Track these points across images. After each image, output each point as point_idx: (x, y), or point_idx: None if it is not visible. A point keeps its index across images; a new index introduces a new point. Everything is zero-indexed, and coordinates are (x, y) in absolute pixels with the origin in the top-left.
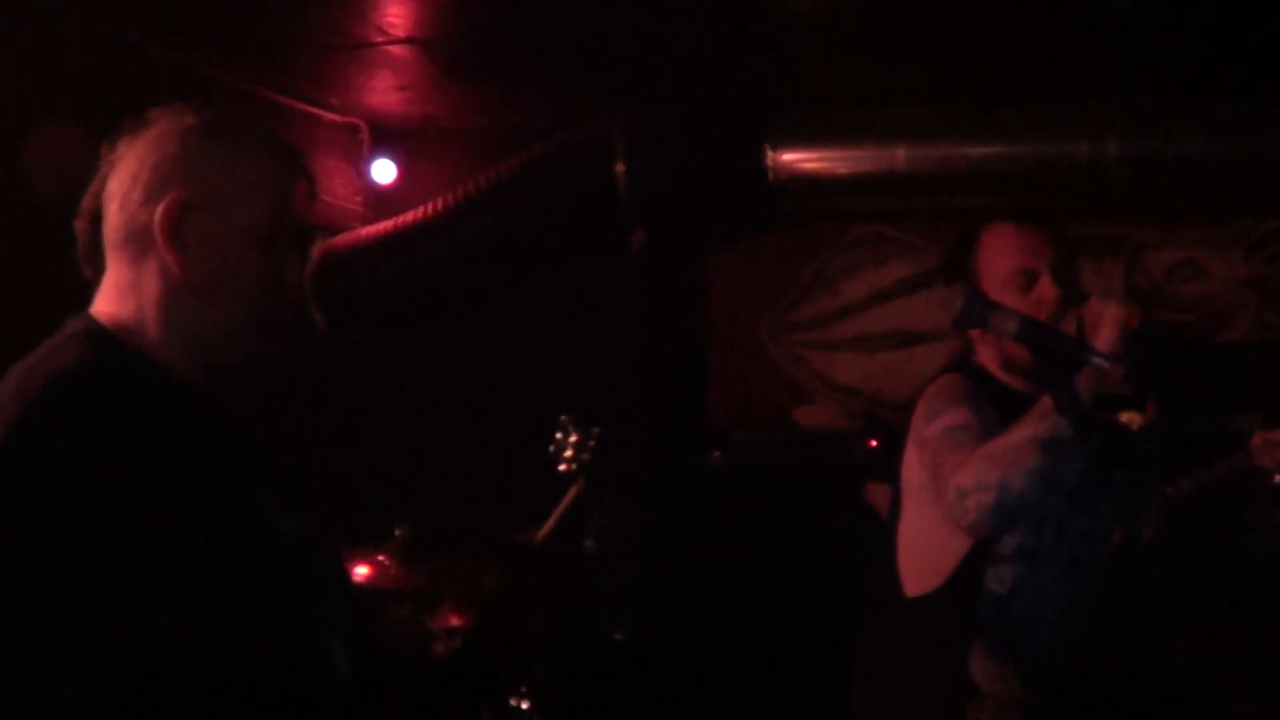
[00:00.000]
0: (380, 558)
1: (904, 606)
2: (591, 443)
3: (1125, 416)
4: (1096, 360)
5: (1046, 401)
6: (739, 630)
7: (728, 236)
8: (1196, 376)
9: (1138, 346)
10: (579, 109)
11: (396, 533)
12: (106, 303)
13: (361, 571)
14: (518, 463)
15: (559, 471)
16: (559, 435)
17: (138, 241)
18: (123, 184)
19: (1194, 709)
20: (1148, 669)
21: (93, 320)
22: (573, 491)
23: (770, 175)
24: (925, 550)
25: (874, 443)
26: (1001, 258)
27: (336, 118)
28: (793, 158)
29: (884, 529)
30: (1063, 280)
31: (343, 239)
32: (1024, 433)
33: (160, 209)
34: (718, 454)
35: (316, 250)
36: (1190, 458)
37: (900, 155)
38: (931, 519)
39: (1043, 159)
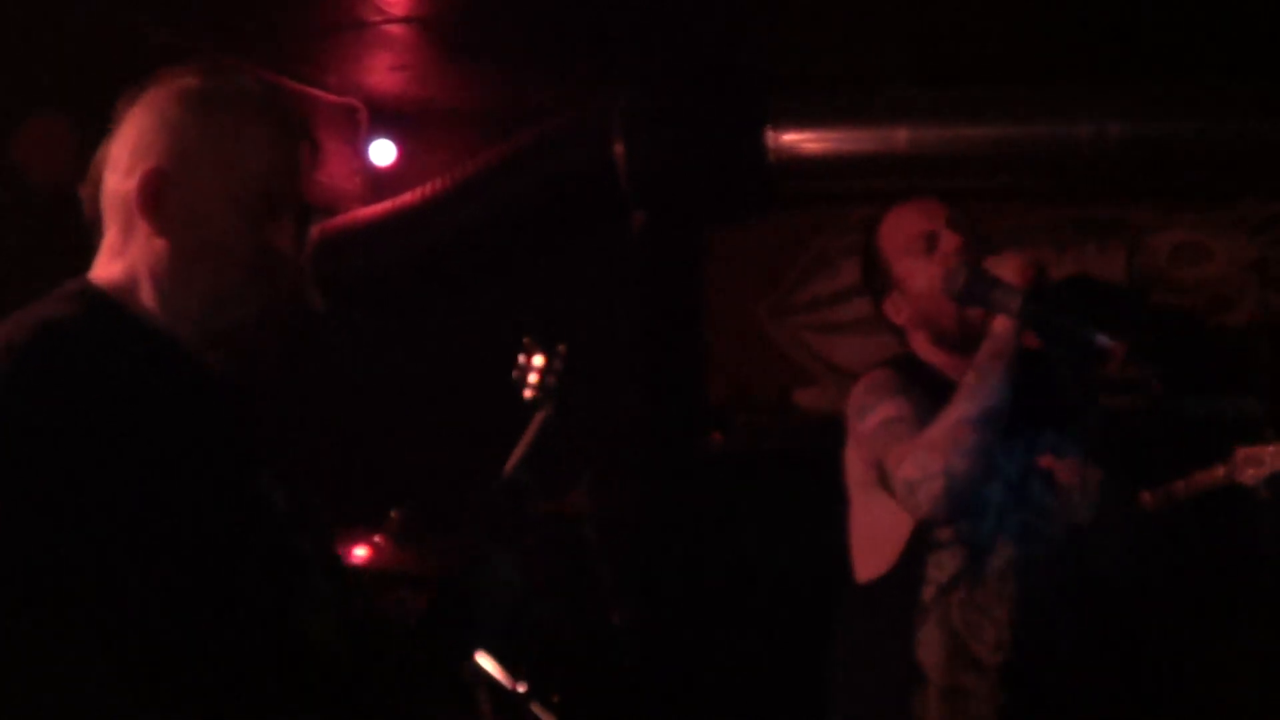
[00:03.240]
0: (376, 539)
1: (856, 591)
2: (557, 363)
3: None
4: (1099, 338)
5: (968, 380)
6: (737, 614)
7: (728, 217)
8: (1198, 360)
9: (1144, 332)
10: (578, 89)
11: (393, 515)
12: (101, 267)
13: (359, 553)
14: (515, 444)
15: (525, 399)
16: (522, 358)
17: (124, 209)
18: (118, 150)
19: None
20: (1123, 676)
21: (87, 282)
22: (538, 419)
23: (771, 156)
24: (871, 538)
25: None
26: (899, 231)
27: (334, 98)
28: (794, 138)
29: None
30: (961, 229)
31: (341, 220)
32: (957, 413)
33: (136, 179)
34: (717, 436)
35: (314, 231)
36: (1183, 448)
37: (902, 136)
38: (875, 509)
39: (1044, 140)
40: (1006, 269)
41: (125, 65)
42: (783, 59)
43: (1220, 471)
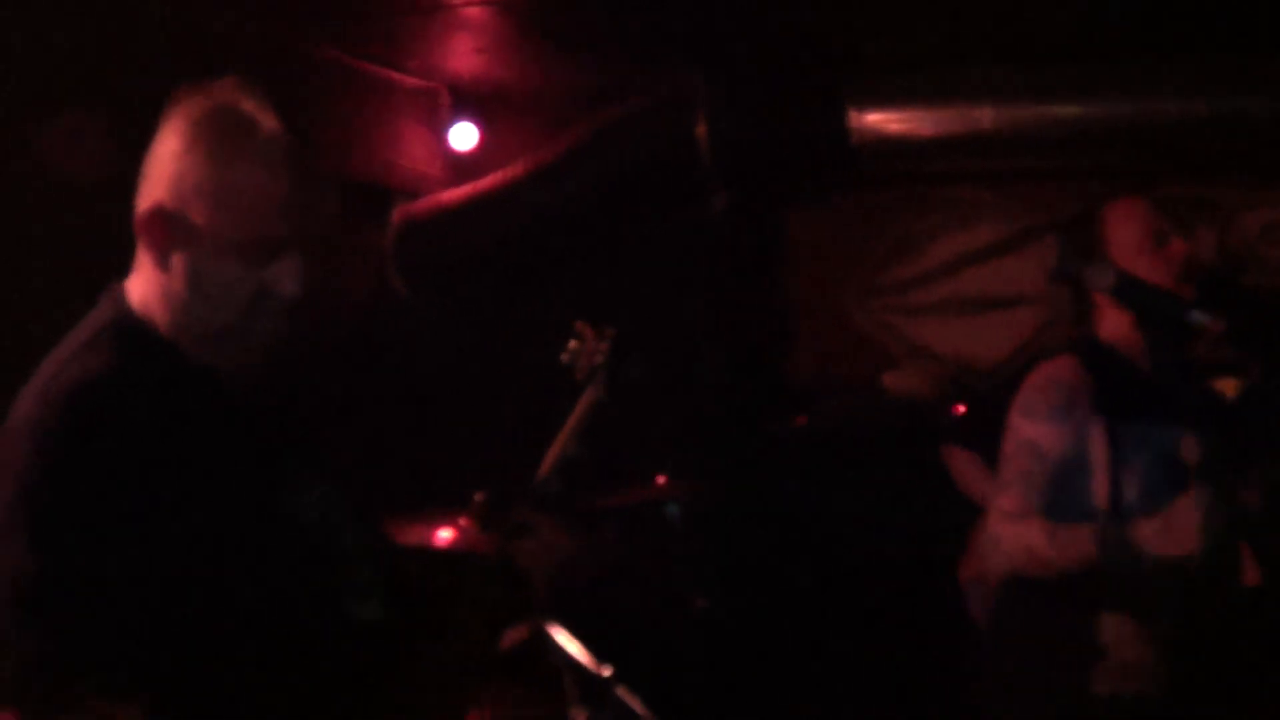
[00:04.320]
0: (461, 522)
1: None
2: (604, 344)
3: (1221, 383)
4: (1194, 315)
5: (1073, 547)
6: (822, 598)
7: (811, 199)
8: None
9: (1239, 311)
10: (660, 69)
11: (476, 497)
12: (135, 279)
13: (444, 535)
14: (600, 424)
15: (577, 380)
16: (573, 343)
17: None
18: (145, 164)
19: None
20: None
21: (122, 303)
22: (586, 399)
23: (854, 137)
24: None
25: (961, 409)
26: (1131, 224)
27: (416, 82)
28: (877, 118)
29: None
30: (1183, 236)
31: (422, 204)
32: (1058, 556)
33: (139, 215)
34: (801, 419)
35: (396, 216)
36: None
37: (987, 116)
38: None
39: (1131, 119)
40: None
41: (205, 52)
42: (866, 38)
43: None
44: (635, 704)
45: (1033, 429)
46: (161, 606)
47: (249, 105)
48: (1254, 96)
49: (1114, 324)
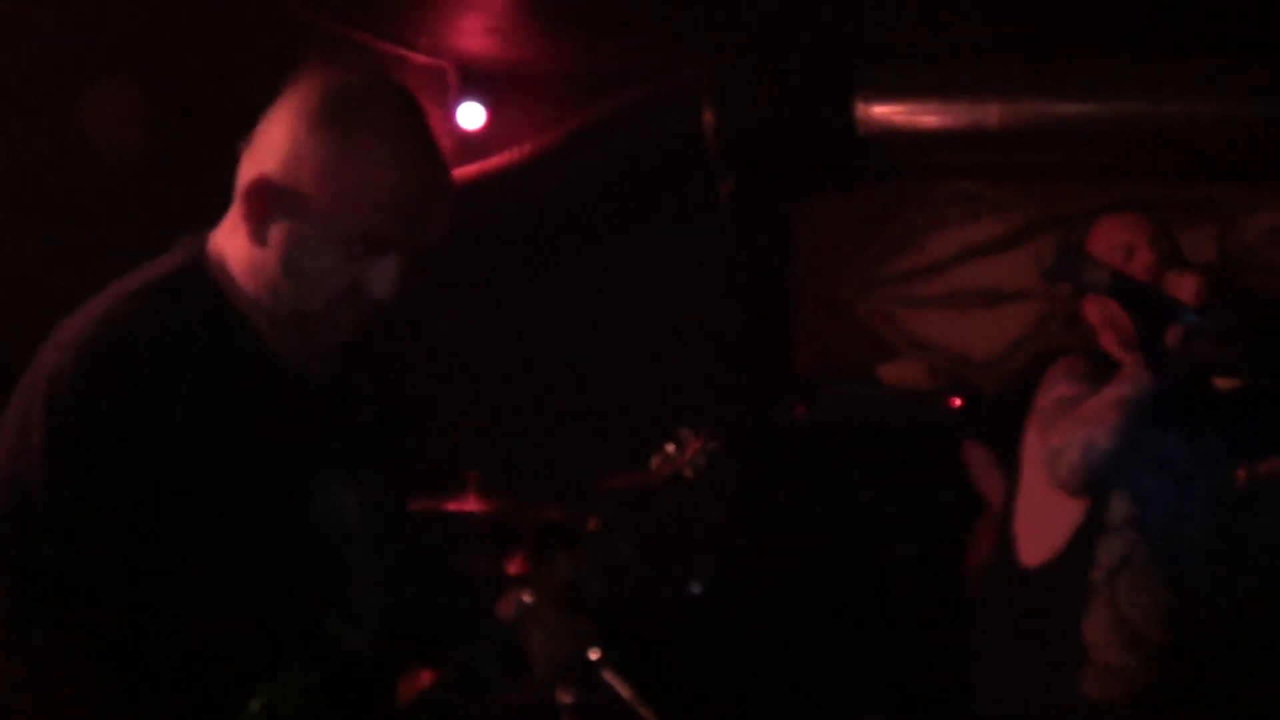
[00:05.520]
0: (456, 502)
1: (1020, 576)
2: (702, 460)
3: (1222, 382)
4: (1187, 316)
5: (1130, 367)
6: (816, 586)
7: (816, 189)
8: None
9: (1233, 311)
10: (669, 55)
11: (470, 475)
12: (224, 234)
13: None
14: (601, 411)
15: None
16: (670, 447)
17: (238, 199)
18: (259, 132)
19: None
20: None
21: (199, 253)
22: (657, 505)
23: (861, 128)
24: (1041, 522)
25: (957, 402)
26: (1103, 238)
27: (424, 60)
28: (884, 110)
29: (1005, 497)
30: (1158, 249)
31: None
32: (1109, 394)
33: (247, 181)
34: (801, 408)
35: None
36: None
37: (993, 111)
38: (1048, 491)
39: (1137, 118)
40: (1182, 289)
41: (214, 25)
42: (875, 30)
43: None
44: (623, 688)
45: (1061, 389)
46: (145, 575)
47: (393, 99)
48: (1261, 98)
49: (1110, 345)
